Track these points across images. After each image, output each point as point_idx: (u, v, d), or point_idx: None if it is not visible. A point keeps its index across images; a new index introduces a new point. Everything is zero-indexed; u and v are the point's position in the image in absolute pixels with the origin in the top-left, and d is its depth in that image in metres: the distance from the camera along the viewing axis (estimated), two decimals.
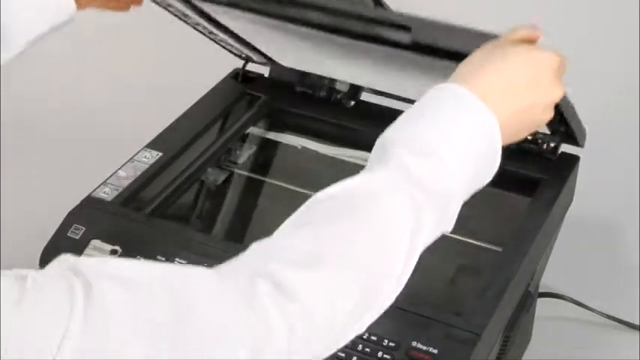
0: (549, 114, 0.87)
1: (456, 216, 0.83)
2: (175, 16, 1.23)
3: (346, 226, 0.76)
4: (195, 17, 1.20)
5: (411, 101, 1.25)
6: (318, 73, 1.30)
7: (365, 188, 0.78)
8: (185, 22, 1.25)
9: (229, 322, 0.69)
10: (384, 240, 0.77)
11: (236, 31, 1.23)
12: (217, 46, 1.36)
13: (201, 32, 1.28)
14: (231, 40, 1.28)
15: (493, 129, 0.81)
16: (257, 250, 0.76)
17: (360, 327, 0.78)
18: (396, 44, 0.99)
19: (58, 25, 1.08)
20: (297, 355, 0.71)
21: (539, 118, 0.87)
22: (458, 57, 0.88)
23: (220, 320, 0.69)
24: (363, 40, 1.02)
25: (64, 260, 0.69)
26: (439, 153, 0.79)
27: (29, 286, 0.63)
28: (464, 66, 0.85)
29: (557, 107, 1.07)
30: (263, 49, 1.29)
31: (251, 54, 1.33)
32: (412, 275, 0.96)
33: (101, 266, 0.68)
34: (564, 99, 1.06)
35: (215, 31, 1.24)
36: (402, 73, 1.19)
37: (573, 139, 1.17)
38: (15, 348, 0.61)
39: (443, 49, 0.95)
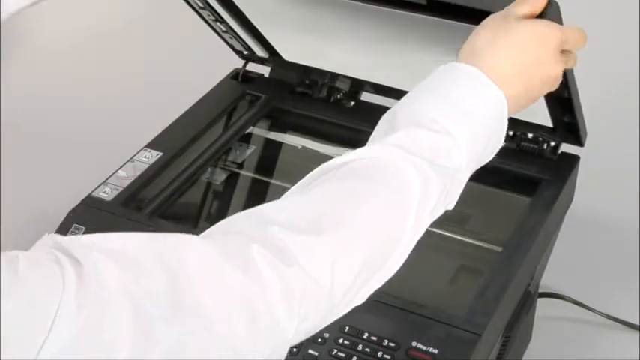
0: (548, 88, 0.88)
1: (460, 192, 0.82)
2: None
3: (351, 193, 0.76)
4: None
5: None
6: (321, 67, 1.30)
7: (372, 157, 0.78)
8: (191, 6, 1.25)
9: (224, 288, 0.68)
10: (390, 208, 0.76)
11: (245, 11, 1.23)
12: (218, 46, 1.36)
13: (205, 20, 1.28)
14: (236, 27, 1.28)
15: (502, 105, 0.83)
16: (254, 214, 0.74)
17: (360, 297, 0.77)
18: (411, 4, 1.01)
19: None
20: (293, 321, 0.70)
21: (539, 92, 0.88)
22: (472, 16, 0.90)
23: (215, 287, 0.67)
24: (377, 3, 1.04)
25: (49, 239, 0.67)
26: (448, 129, 0.79)
27: (20, 269, 0.62)
28: (469, 44, 0.85)
29: (565, 98, 1.08)
30: (268, 37, 1.29)
31: (254, 45, 1.33)
32: (413, 275, 0.96)
33: (88, 242, 0.66)
34: (574, 88, 1.07)
35: (223, 14, 1.24)
36: (403, 66, 1.20)
37: (576, 134, 1.17)
38: (7, 331, 0.59)
39: (458, 6, 0.97)
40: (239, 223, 0.74)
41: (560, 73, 0.88)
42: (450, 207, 0.83)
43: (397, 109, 0.82)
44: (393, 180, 0.77)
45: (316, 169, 0.78)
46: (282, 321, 0.69)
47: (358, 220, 0.75)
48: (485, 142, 0.83)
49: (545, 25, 0.86)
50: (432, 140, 0.79)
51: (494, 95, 0.82)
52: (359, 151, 0.79)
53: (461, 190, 0.82)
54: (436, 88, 0.83)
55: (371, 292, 0.77)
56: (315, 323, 0.73)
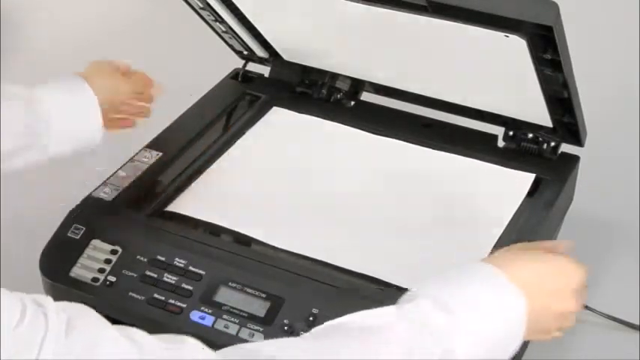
0: (559, 323, 0.89)
1: None
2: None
3: (345, 350, 0.77)
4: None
5: (412, 96, 1.27)
6: (321, 67, 1.30)
7: (382, 322, 0.79)
8: (191, 6, 1.25)
9: None
10: None
11: (245, 11, 1.23)
12: (218, 46, 1.36)
13: (205, 20, 1.28)
14: (237, 27, 1.28)
15: (520, 310, 0.82)
16: (250, 349, 0.78)
17: None
18: (411, 5, 1.02)
19: (82, 149, 1.17)
20: None
21: (549, 326, 0.88)
22: (472, 17, 0.90)
23: None
24: (378, 4, 1.04)
25: None
26: (457, 313, 0.80)
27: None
28: (496, 257, 0.87)
29: (565, 98, 1.09)
30: (268, 38, 1.30)
31: (254, 45, 1.33)
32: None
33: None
34: (574, 88, 1.07)
35: (223, 14, 1.24)
36: (403, 67, 1.20)
37: (576, 134, 1.17)
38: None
39: (458, 7, 0.98)
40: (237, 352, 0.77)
41: (575, 312, 0.89)
42: None
43: (418, 288, 0.83)
44: (395, 349, 0.78)
45: (330, 322, 0.80)
46: None
47: None
48: (493, 342, 0.82)
49: (572, 263, 0.89)
50: (438, 318, 0.79)
51: (516, 299, 0.82)
52: (367, 311, 0.80)
53: None
54: (457, 279, 0.84)
55: None
56: None
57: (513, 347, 0.83)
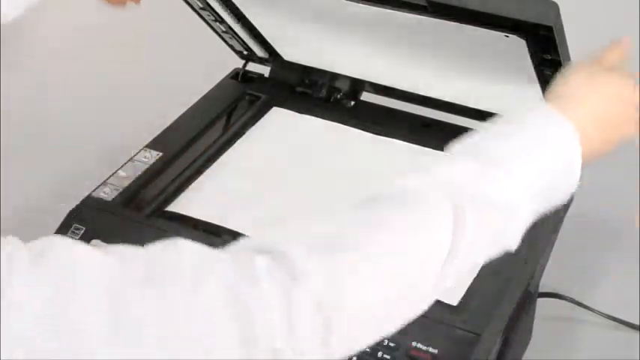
0: (616, 144, 0.89)
1: (520, 233, 0.79)
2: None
3: (380, 222, 0.72)
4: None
5: (412, 96, 1.27)
6: (321, 67, 1.30)
7: (414, 188, 0.74)
8: (191, 6, 1.25)
9: (209, 289, 0.65)
10: (415, 249, 0.72)
11: (245, 11, 1.23)
12: (218, 46, 1.36)
13: (205, 21, 1.28)
14: (236, 27, 1.28)
15: (572, 141, 0.80)
16: (275, 231, 0.71)
17: (371, 338, 0.71)
18: (411, 5, 1.02)
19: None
20: (290, 343, 0.65)
21: (610, 147, 0.88)
22: (472, 17, 0.91)
23: (200, 285, 0.65)
24: (378, 4, 1.04)
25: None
26: (505, 163, 0.77)
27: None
28: (557, 89, 0.85)
29: None
30: (268, 38, 1.30)
31: (254, 45, 1.33)
32: None
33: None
34: None
35: (223, 14, 1.24)
36: (403, 66, 1.20)
37: None
38: None
39: (458, 7, 0.98)
40: (256, 236, 0.72)
41: (635, 132, 0.88)
42: (511, 246, 0.79)
43: (456, 144, 0.80)
44: (428, 217, 0.73)
45: (365, 196, 0.75)
46: (278, 343, 0.65)
47: (379, 251, 0.71)
48: (551, 180, 0.80)
49: (630, 84, 0.87)
50: (481, 176, 0.76)
51: (564, 129, 0.81)
52: (404, 180, 0.76)
53: (519, 232, 0.79)
54: (506, 125, 0.82)
55: (384, 334, 0.73)
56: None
57: (574, 175, 0.81)
